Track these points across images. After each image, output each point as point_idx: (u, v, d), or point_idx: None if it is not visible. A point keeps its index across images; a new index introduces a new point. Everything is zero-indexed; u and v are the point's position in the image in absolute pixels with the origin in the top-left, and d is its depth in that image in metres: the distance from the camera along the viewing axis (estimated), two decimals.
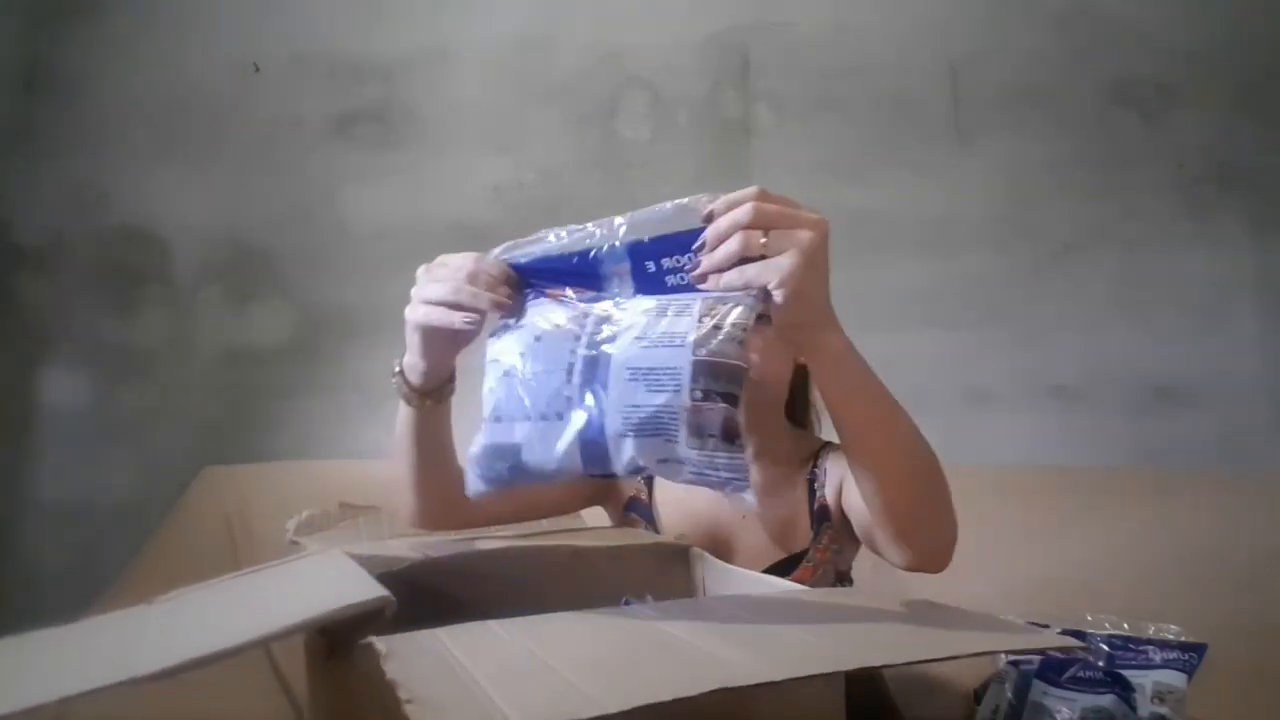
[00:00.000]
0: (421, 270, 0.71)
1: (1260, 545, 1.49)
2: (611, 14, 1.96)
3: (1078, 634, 1.40)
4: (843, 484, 1.01)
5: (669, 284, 0.62)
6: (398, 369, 0.76)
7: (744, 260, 0.59)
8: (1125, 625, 1.41)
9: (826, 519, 1.02)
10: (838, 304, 0.67)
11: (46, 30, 1.95)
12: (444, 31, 1.96)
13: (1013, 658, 1.37)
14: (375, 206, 1.93)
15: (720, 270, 0.60)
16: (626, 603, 0.69)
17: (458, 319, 0.66)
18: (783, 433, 1.09)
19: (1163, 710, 1.24)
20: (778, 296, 0.60)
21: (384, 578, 0.58)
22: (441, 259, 0.70)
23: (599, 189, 1.93)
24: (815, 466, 1.05)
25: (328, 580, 0.60)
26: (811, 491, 1.04)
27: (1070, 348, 1.85)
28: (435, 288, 0.68)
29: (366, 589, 0.52)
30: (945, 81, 1.91)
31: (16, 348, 1.90)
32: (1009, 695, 1.23)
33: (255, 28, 1.96)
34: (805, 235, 0.60)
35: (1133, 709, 1.17)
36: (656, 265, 0.62)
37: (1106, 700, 1.18)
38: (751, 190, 0.60)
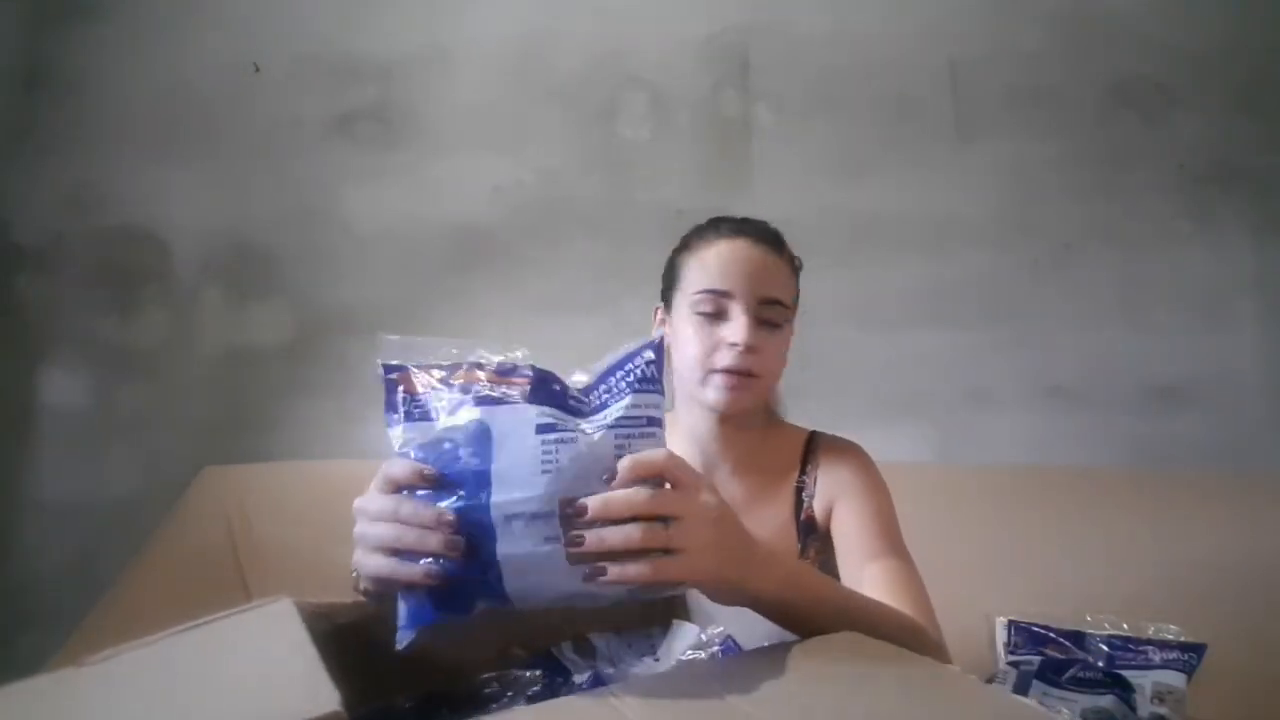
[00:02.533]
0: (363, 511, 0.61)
1: (1260, 545, 1.50)
2: (611, 14, 1.96)
3: (1077, 634, 1.40)
4: (833, 508, 0.99)
5: (571, 404, 0.62)
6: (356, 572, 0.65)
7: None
8: (1125, 625, 1.41)
9: (814, 532, 1.00)
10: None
11: (46, 30, 1.95)
12: (444, 31, 1.96)
13: (1012, 658, 1.38)
14: (375, 206, 1.93)
15: (607, 550, 0.56)
16: (595, 676, 0.65)
17: (418, 573, 0.58)
18: (765, 434, 1.06)
19: (1162, 710, 1.24)
20: (700, 589, 0.61)
21: (334, 632, 0.56)
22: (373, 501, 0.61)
23: (599, 189, 1.93)
24: (804, 474, 1.02)
25: (275, 671, 0.55)
26: (799, 501, 1.01)
27: (1070, 348, 1.85)
28: (384, 530, 0.59)
29: (316, 699, 0.48)
30: (945, 81, 1.91)
31: (16, 348, 1.90)
32: None
33: (255, 28, 1.96)
34: (708, 532, 0.58)
35: (1133, 709, 1.17)
36: (562, 389, 0.63)
37: (1106, 700, 1.18)
38: (659, 460, 0.58)
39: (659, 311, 1.06)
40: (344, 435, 1.87)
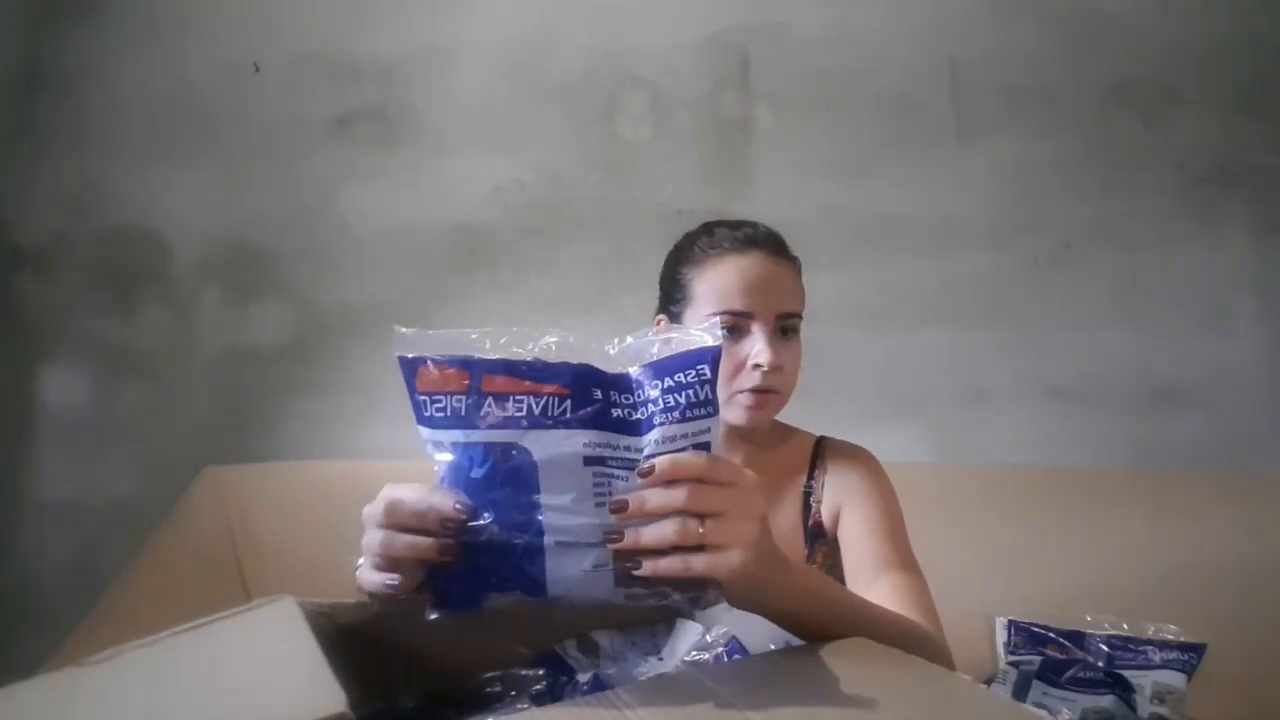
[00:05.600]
0: (375, 514, 0.59)
1: (1260, 545, 1.50)
2: (611, 14, 1.96)
3: (1077, 634, 1.40)
4: (841, 514, 0.99)
5: (614, 416, 0.58)
6: (358, 570, 0.63)
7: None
8: (1125, 625, 1.41)
9: (821, 537, 1.00)
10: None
11: (46, 30, 1.94)
12: (444, 31, 1.96)
13: (1013, 658, 1.38)
14: (375, 206, 1.93)
15: (643, 548, 0.56)
16: (596, 684, 0.64)
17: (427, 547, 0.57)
18: (772, 437, 1.05)
19: (1163, 710, 1.24)
20: (729, 588, 0.58)
21: (336, 632, 0.56)
22: (391, 500, 0.59)
23: (599, 189, 1.93)
24: (811, 479, 1.02)
25: (279, 670, 0.55)
26: (806, 506, 1.01)
27: (1070, 348, 1.85)
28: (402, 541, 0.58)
29: (322, 698, 0.48)
30: (945, 81, 1.91)
31: (16, 348, 1.90)
32: (1009, 696, 1.23)
33: (255, 28, 1.96)
34: (749, 529, 0.57)
35: (1133, 709, 1.17)
36: (604, 394, 0.58)
37: (1106, 701, 1.19)
38: (700, 462, 0.57)
39: (661, 323, 1.03)
40: (344, 435, 1.87)
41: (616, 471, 0.57)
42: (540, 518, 0.57)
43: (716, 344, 0.59)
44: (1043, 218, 1.88)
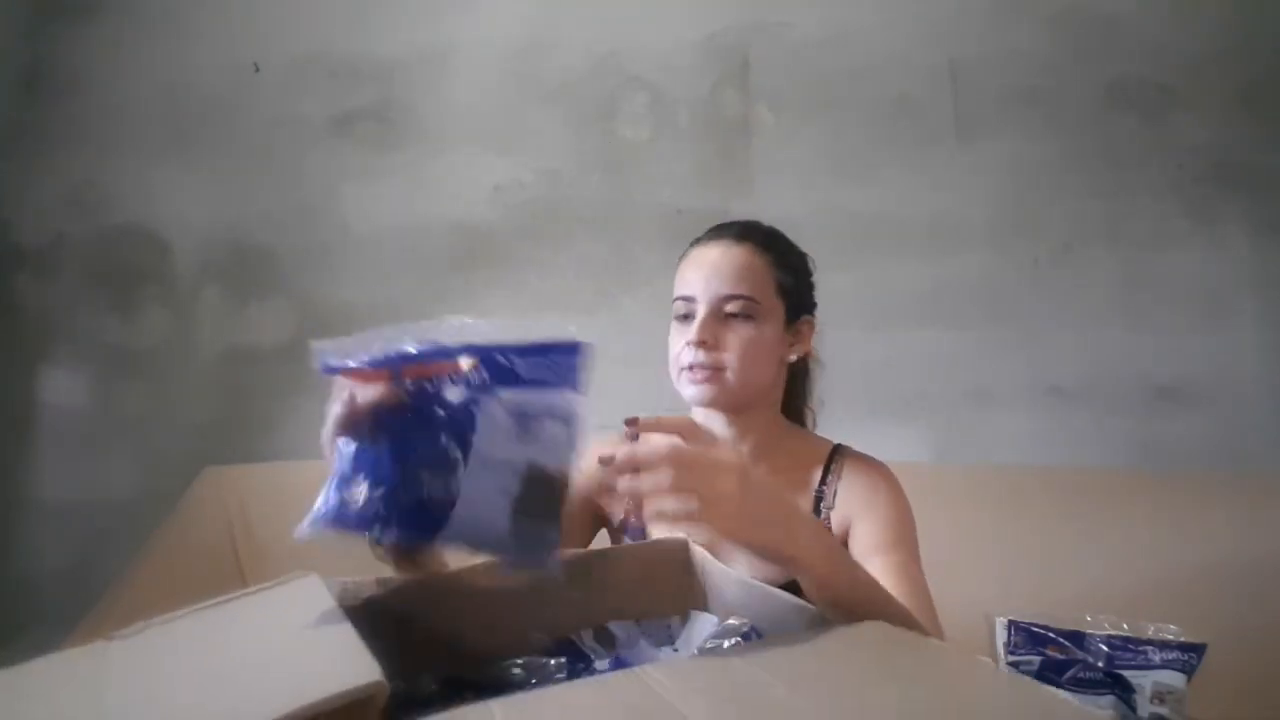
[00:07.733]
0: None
1: (1260, 545, 1.50)
2: (611, 14, 1.96)
3: (1077, 634, 1.40)
4: (852, 524, 0.99)
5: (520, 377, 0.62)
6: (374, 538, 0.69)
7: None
8: (1125, 625, 1.41)
9: None
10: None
11: (46, 30, 1.95)
12: (444, 31, 1.96)
13: (1012, 658, 1.38)
14: (375, 206, 1.93)
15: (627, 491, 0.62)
16: (616, 660, 0.66)
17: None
18: (783, 435, 1.06)
19: (1162, 711, 1.24)
20: (738, 544, 0.65)
21: (357, 613, 0.56)
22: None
23: (599, 189, 1.93)
24: (824, 484, 1.02)
25: (310, 641, 0.55)
26: (816, 510, 1.00)
27: (1070, 348, 1.85)
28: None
29: (357, 668, 0.47)
30: (945, 81, 1.91)
31: (16, 348, 1.90)
32: None
33: (255, 28, 1.96)
34: (714, 488, 0.62)
35: (1132, 710, 1.17)
36: (508, 359, 0.62)
37: (1106, 701, 1.18)
38: (663, 449, 0.62)
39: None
40: None
41: (544, 421, 0.61)
42: (464, 455, 0.61)
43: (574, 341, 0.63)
44: (1043, 218, 1.88)
